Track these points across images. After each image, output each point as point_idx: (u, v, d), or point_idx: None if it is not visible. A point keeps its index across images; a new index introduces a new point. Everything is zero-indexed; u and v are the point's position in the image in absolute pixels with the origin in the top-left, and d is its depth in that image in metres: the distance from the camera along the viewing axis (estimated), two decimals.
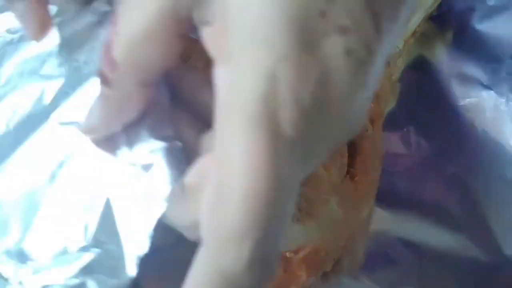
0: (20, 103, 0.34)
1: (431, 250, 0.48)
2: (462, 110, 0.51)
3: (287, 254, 0.41)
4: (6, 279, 0.31)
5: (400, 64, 0.48)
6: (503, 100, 0.51)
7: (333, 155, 0.41)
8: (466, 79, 0.52)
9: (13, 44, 0.36)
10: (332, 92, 0.24)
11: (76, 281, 0.30)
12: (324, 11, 0.23)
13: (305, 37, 0.23)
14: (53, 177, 0.32)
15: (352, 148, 0.43)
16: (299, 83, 0.23)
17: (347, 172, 0.42)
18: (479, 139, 0.51)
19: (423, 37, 0.50)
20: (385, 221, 0.48)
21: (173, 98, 0.30)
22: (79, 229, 0.30)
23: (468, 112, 0.51)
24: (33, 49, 0.35)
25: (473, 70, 0.52)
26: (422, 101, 0.51)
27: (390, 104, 0.48)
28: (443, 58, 0.52)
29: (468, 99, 0.51)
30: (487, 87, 0.51)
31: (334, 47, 0.24)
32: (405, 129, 0.51)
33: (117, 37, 0.26)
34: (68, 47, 0.34)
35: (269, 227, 0.23)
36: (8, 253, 0.32)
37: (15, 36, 0.36)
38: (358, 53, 0.24)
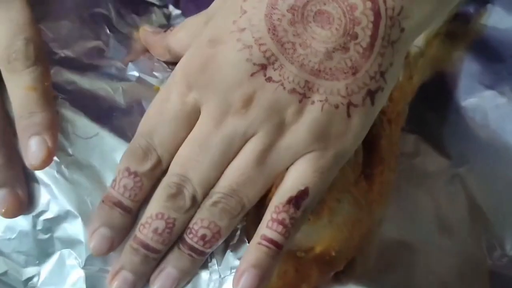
0: None
1: (431, 250, 0.48)
2: (463, 110, 0.51)
3: (298, 254, 0.40)
4: None
5: (422, 65, 0.48)
6: (504, 100, 0.51)
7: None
8: (468, 79, 0.52)
9: None
10: None
11: None
12: None
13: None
14: None
15: (369, 147, 0.42)
16: None
17: (362, 172, 0.42)
18: (481, 139, 0.51)
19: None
20: (385, 222, 0.48)
21: None
22: None
23: (469, 112, 0.51)
24: None
25: (475, 70, 0.52)
26: (423, 100, 0.51)
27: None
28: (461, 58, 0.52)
29: (469, 99, 0.51)
30: (489, 87, 0.51)
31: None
32: (406, 129, 0.51)
33: None
34: None
35: None
36: None
37: None
38: None
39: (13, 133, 0.40)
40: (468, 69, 0.52)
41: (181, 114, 0.38)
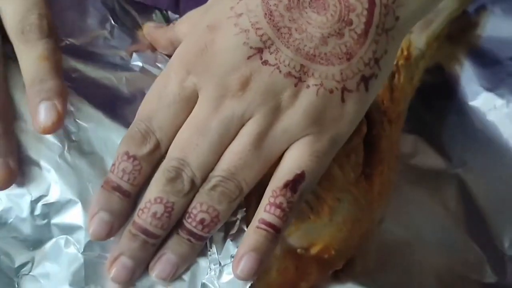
0: None
1: (430, 250, 0.48)
2: (462, 111, 0.52)
3: (298, 251, 0.41)
4: None
5: (422, 67, 0.48)
6: (503, 102, 0.51)
7: (348, 154, 0.41)
8: (467, 81, 0.52)
9: None
10: None
11: None
12: None
13: None
14: None
15: (369, 147, 0.43)
16: None
17: (362, 172, 0.42)
18: (479, 140, 0.51)
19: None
20: (384, 221, 0.48)
21: None
22: None
23: (468, 113, 0.52)
24: None
25: (474, 72, 0.52)
26: (423, 101, 0.52)
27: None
28: (461, 60, 0.52)
29: (469, 101, 0.52)
30: (488, 89, 0.52)
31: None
32: (405, 129, 0.51)
33: None
34: None
35: None
36: None
37: None
38: None
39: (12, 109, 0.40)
40: (467, 71, 0.52)
41: (180, 99, 0.38)
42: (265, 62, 0.37)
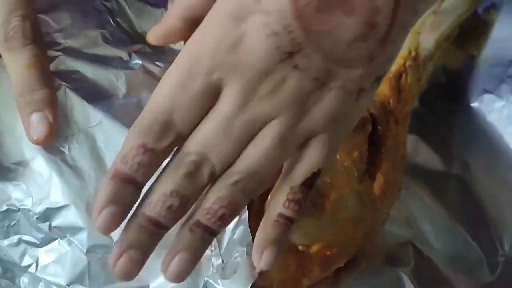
0: None
1: (431, 249, 0.48)
2: (463, 112, 0.52)
3: (301, 248, 0.41)
4: None
5: (430, 68, 0.49)
6: (503, 103, 0.51)
7: (351, 151, 0.41)
8: (468, 82, 0.52)
9: None
10: None
11: None
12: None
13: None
14: None
15: (375, 146, 0.43)
16: None
17: (367, 170, 0.42)
18: (480, 142, 0.51)
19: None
20: (386, 220, 0.48)
21: None
22: None
23: (469, 114, 0.52)
24: None
25: (476, 73, 0.52)
26: (424, 102, 0.52)
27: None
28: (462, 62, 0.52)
29: (470, 102, 0.52)
30: (488, 90, 0.52)
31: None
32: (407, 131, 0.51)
33: None
34: None
35: None
36: None
37: None
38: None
39: None
40: (468, 72, 0.53)
41: (205, 94, 0.37)
42: (296, 67, 0.36)
